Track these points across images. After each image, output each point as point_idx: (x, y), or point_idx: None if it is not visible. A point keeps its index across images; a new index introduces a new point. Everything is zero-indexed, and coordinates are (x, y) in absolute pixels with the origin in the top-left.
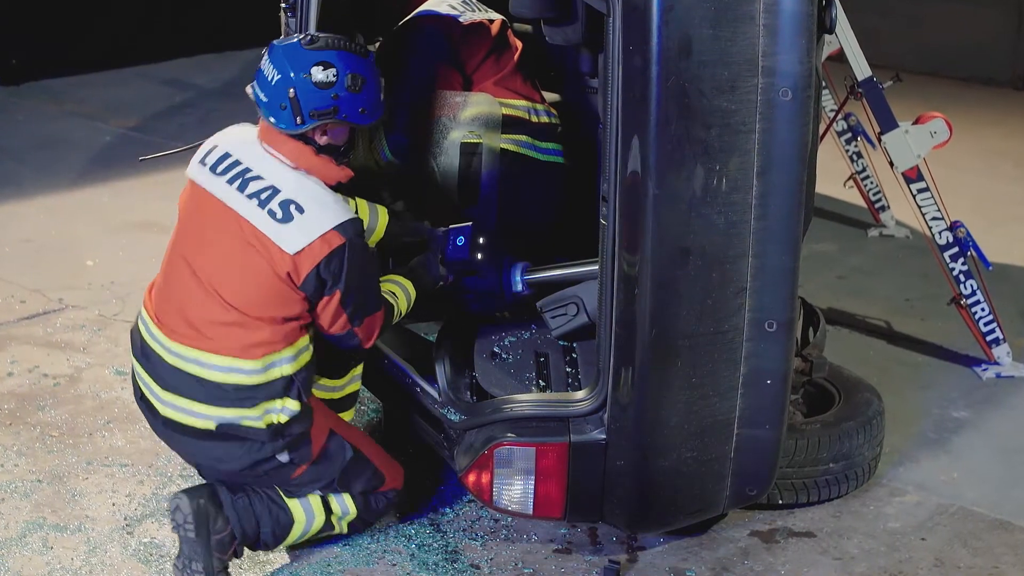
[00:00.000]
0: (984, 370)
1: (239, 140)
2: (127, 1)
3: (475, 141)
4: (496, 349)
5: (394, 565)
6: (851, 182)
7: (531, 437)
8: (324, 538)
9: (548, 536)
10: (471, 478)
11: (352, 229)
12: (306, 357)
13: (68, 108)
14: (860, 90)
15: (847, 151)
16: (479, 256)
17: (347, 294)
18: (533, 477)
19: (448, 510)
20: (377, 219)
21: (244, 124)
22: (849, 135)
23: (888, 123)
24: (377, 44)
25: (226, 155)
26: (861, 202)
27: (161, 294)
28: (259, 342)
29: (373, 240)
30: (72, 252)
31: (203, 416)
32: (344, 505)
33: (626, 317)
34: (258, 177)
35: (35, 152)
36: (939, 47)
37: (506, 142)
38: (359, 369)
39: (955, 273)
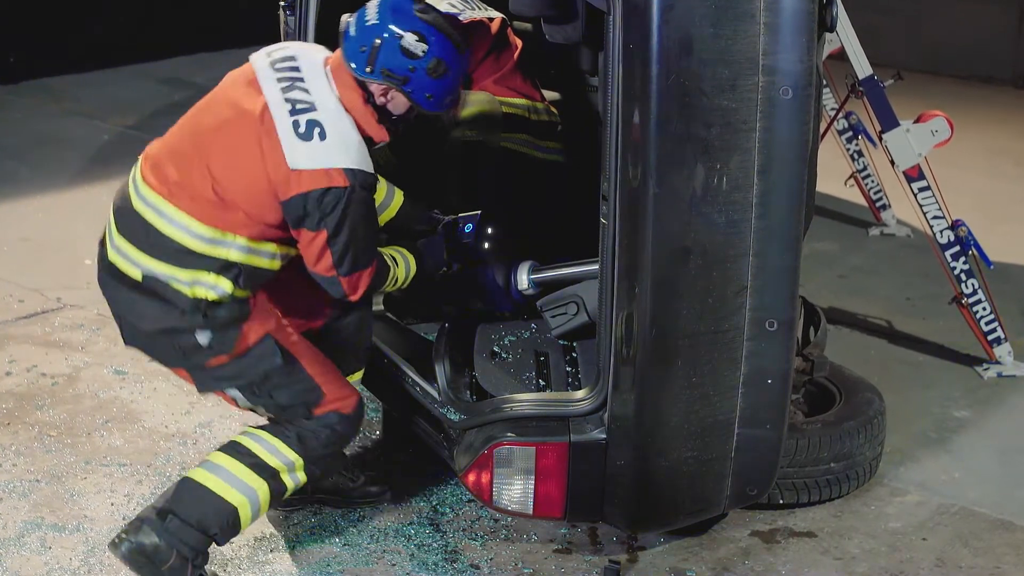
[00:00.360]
0: (985, 369)
1: (310, 54)
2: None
3: (475, 140)
4: (496, 348)
5: (394, 565)
6: (852, 181)
7: (531, 437)
8: (323, 538)
9: (548, 536)
10: (471, 478)
11: (361, 179)
12: (262, 261)
13: (66, 106)
14: (861, 88)
15: (848, 150)
16: (485, 245)
17: (335, 237)
18: (533, 477)
19: (448, 510)
20: (392, 198)
21: (320, 47)
22: (850, 134)
23: (889, 122)
24: None
25: (292, 58)
26: (862, 201)
27: (161, 148)
28: (223, 219)
29: (384, 218)
30: (70, 251)
31: (136, 264)
32: (282, 455)
33: (626, 316)
34: (306, 90)
35: (33, 150)
36: (940, 45)
37: (506, 141)
38: (358, 375)
39: (956, 272)
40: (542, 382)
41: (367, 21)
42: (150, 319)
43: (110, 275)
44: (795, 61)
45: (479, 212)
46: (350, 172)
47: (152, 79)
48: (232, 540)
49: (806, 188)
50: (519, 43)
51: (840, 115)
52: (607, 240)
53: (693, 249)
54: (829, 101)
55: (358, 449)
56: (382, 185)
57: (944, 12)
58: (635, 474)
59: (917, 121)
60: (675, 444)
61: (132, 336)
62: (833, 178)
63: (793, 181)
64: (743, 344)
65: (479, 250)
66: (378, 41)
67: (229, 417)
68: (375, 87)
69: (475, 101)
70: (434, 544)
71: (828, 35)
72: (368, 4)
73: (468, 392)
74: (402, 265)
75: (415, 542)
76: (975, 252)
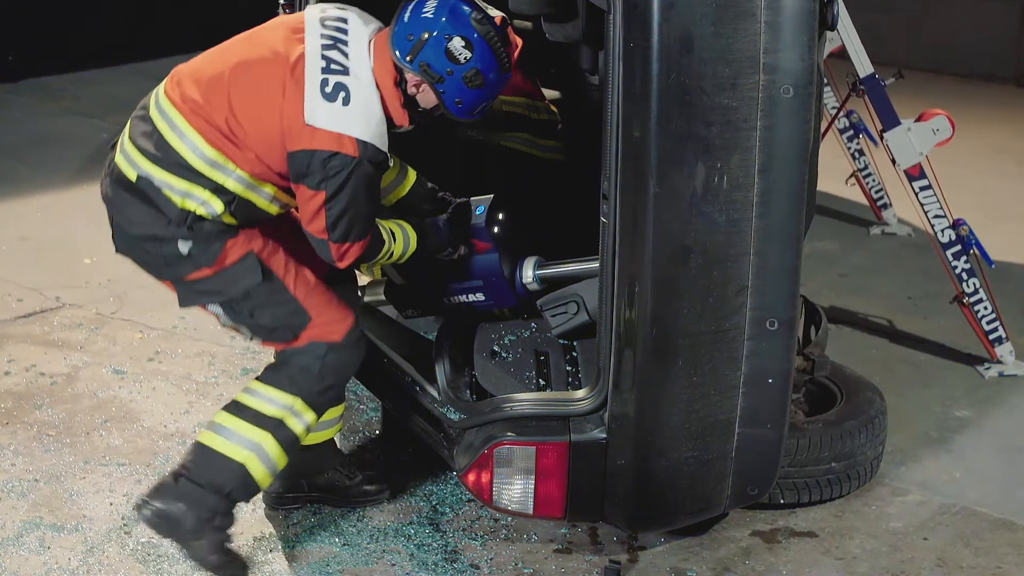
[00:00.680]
0: (987, 369)
1: (362, 22)
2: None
3: (475, 139)
4: (496, 348)
5: (393, 565)
6: (853, 180)
7: (531, 436)
8: (322, 538)
9: (548, 536)
10: (471, 477)
11: (371, 154)
12: (260, 200)
13: (65, 105)
14: (862, 87)
15: (849, 148)
16: (495, 230)
17: (332, 201)
18: (533, 476)
19: (448, 510)
20: (404, 177)
21: (374, 19)
22: (851, 132)
23: (890, 120)
24: None
25: (343, 20)
26: (863, 200)
27: (189, 69)
28: (229, 150)
29: (394, 196)
30: (70, 250)
31: (136, 166)
32: (278, 402)
33: (627, 315)
34: (345, 54)
35: (32, 149)
36: (941, 44)
37: (506, 140)
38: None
39: (958, 271)
40: (542, 381)
41: (423, 12)
42: (138, 223)
43: (111, 179)
44: (796, 59)
45: (492, 196)
46: (362, 144)
47: (151, 78)
48: (255, 497)
49: (807, 187)
50: (519, 42)
51: (841, 114)
52: (607, 239)
53: (693, 248)
54: (830, 100)
55: (357, 448)
56: (395, 164)
57: (945, 10)
58: (635, 474)
59: (918, 120)
60: (675, 444)
61: (122, 241)
62: (834, 177)
63: (794, 180)
64: (744, 343)
65: (488, 234)
66: (426, 35)
67: None
68: (410, 76)
69: None
70: (434, 544)
71: (829, 33)
72: None
73: (468, 391)
74: (400, 240)
75: (415, 542)
76: (976, 251)
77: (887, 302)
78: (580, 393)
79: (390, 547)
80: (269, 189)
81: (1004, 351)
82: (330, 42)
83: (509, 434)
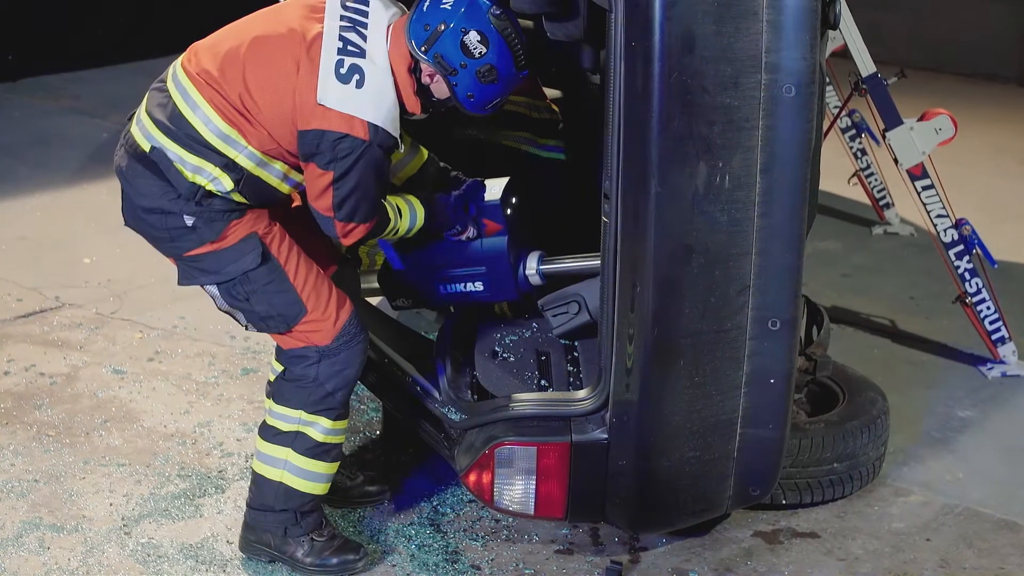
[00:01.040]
0: (989, 369)
1: (383, 7)
2: None
3: (475, 137)
4: (497, 348)
5: (394, 566)
6: (855, 179)
7: (532, 436)
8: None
9: (550, 536)
10: (472, 478)
11: (382, 138)
12: (271, 178)
13: (65, 104)
14: (864, 86)
15: (851, 148)
16: (508, 212)
17: (340, 182)
18: (534, 477)
19: (449, 510)
20: (415, 155)
21: (397, 6)
22: (853, 132)
23: (893, 120)
24: None
25: (366, 2)
26: (865, 199)
27: (208, 42)
28: (242, 125)
29: (405, 175)
30: (69, 250)
31: (149, 137)
32: (288, 417)
33: (628, 315)
34: (363, 36)
35: (32, 149)
36: (944, 43)
37: (507, 139)
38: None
39: (960, 271)
40: (543, 382)
41: (442, 3)
42: (148, 195)
43: (125, 149)
44: (798, 59)
45: (508, 178)
46: (373, 127)
47: (151, 77)
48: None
49: (809, 186)
50: None
51: (843, 113)
52: (609, 239)
53: (695, 248)
54: (832, 99)
55: (357, 448)
56: (406, 143)
57: (948, 9)
58: (637, 474)
59: (921, 119)
60: (677, 444)
61: (130, 213)
62: (836, 176)
63: (796, 179)
64: (745, 343)
65: (501, 215)
66: (442, 27)
67: (228, 417)
68: (424, 66)
69: None
70: (435, 545)
71: (831, 32)
72: None
73: (469, 392)
74: (406, 216)
75: (416, 543)
76: (979, 251)
77: (889, 302)
78: (581, 393)
79: (391, 548)
80: (280, 167)
81: (1007, 351)
82: (349, 24)
83: (510, 434)
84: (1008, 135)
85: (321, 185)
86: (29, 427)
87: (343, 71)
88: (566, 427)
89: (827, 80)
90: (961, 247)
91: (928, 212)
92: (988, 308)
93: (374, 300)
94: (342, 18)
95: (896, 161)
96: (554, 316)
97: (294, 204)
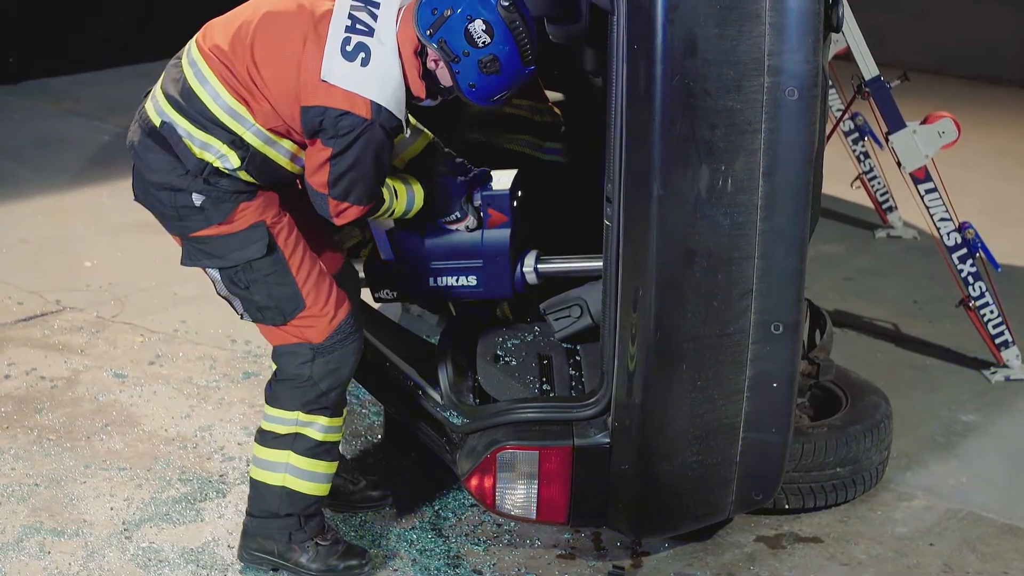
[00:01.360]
0: (993, 373)
1: None
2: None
3: (477, 140)
4: (499, 352)
5: (396, 571)
6: (858, 182)
7: (534, 441)
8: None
9: (552, 541)
10: (474, 482)
11: (384, 118)
12: (279, 157)
13: (66, 107)
14: (867, 89)
15: (854, 151)
16: (514, 204)
17: (337, 159)
18: (536, 481)
19: (450, 515)
20: (418, 136)
21: None
22: (856, 135)
23: (896, 123)
24: None
25: None
26: (868, 203)
27: (222, 18)
28: (248, 101)
29: (407, 155)
30: (70, 253)
31: (161, 112)
32: (284, 420)
33: (630, 319)
34: (373, 16)
35: (32, 151)
36: (947, 45)
37: (509, 142)
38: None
39: (963, 275)
40: (545, 386)
41: None
42: (156, 171)
43: (138, 124)
44: (801, 62)
45: (517, 171)
46: (376, 107)
47: (152, 79)
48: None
49: (812, 190)
50: None
51: (846, 116)
52: (611, 242)
53: (698, 251)
54: (835, 102)
55: (359, 453)
56: (409, 125)
57: (951, 12)
58: (639, 478)
59: (924, 122)
60: (679, 448)
61: (140, 188)
62: (839, 180)
63: (798, 183)
64: (748, 347)
65: (508, 206)
66: (448, 12)
67: (230, 421)
68: (430, 50)
69: None
70: (436, 549)
71: (834, 35)
72: None
73: (471, 396)
74: (403, 197)
75: (417, 547)
76: (982, 254)
77: (892, 306)
78: (584, 397)
79: (392, 552)
80: (288, 145)
81: (1010, 355)
82: (361, 3)
83: (512, 439)
84: (1011, 138)
85: (319, 160)
86: (30, 431)
87: (349, 48)
88: (568, 431)
89: (830, 83)
90: (964, 251)
91: (931, 215)
92: (991, 312)
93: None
94: None
95: (899, 164)
96: (556, 320)
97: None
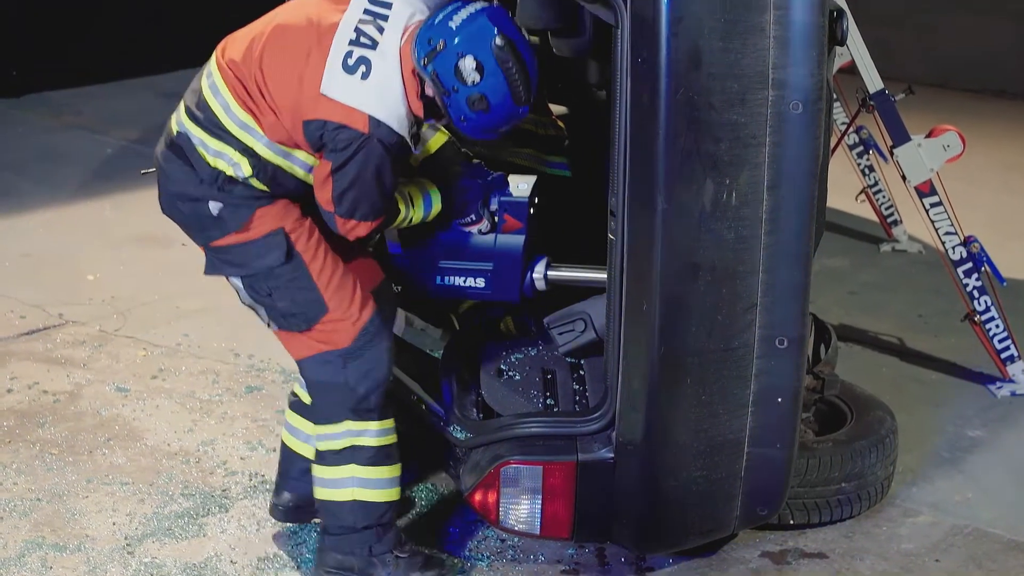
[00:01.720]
0: (999, 388)
1: (409, 6)
2: (128, 12)
3: (480, 154)
4: (503, 366)
5: None
6: (863, 196)
7: (538, 456)
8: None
9: (555, 556)
10: (477, 497)
11: (384, 133)
12: (295, 169)
13: (69, 120)
14: (872, 103)
15: (859, 164)
16: (531, 212)
17: (337, 174)
18: (540, 496)
19: (454, 530)
20: (434, 134)
21: (427, 7)
22: (861, 148)
23: (900, 136)
24: None
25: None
26: (873, 216)
27: (241, 30)
28: (256, 113)
29: (423, 153)
30: (73, 266)
31: (179, 122)
32: (335, 434)
33: (634, 333)
34: (380, 30)
35: (35, 165)
36: (951, 59)
37: (512, 155)
38: None
39: (969, 289)
40: (549, 400)
41: (451, 20)
42: (175, 180)
43: (163, 136)
44: (805, 75)
45: (535, 177)
46: (374, 121)
47: (155, 92)
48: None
49: (816, 204)
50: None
51: (851, 129)
52: (615, 256)
53: (702, 265)
54: (840, 115)
55: None
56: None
57: (956, 25)
58: (643, 494)
59: (929, 136)
60: (684, 463)
61: (164, 199)
62: (844, 193)
63: (803, 196)
64: (753, 362)
65: (524, 213)
66: (442, 45)
67: (232, 435)
68: (425, 77)
69: None
70: None
71: (838, 48)
72: (474, 5)
73: (475, 410)
74: (419, 205)
75: None
76: (988, 269)
77: (897, 320)
78: (588, 412)
79: None
80: (302, 156)
81: (1016, 370)
82: (369, 17)
83: (516, 454)
84: (1016, 152)
85: (322, 175)
86: (32, 445)
87: (351, 62)
88: (572, 446)
89: (834, 96)
90: (970, 265)
91: (936, 229)
92: (997, 326)
93: None
94: (365, 11)
95: (904, 178)
96: (560, 334)
97: None
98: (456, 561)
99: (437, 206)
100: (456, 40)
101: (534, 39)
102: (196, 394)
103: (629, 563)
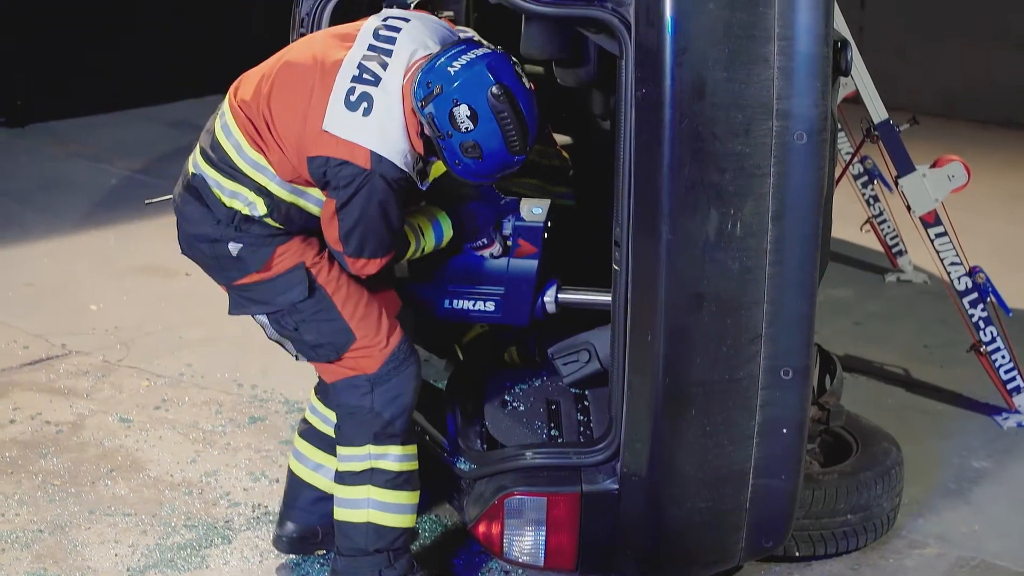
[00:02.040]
0: (1005, 419)
1: (411, 38)
2: (132, 42)
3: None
4: (507, 397)
5: None
6: (868, 226)
7: (542, 487)
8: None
9: None
10: (481, 529)
11: (386, 169)
12: (309, 206)
13: (72, 150)
14: (876, 133)
15: (863, 194)
16: (545, 236)
17: (343, 213)
18: (544, 528)
19: (458, 562)
20: None
21: (435, 41)
22: (865, 178)
23: (905, 166)
24: None
25: (399, 29)
26: (878, 246)
27: (256, 68)
28: (265, 152)
29: (435, 173)
30: (76, 296)
31: (195, 163)
32: (356, 457)
33: (639, 364)
34: (383, 66)
35: (39, 194)
36: (956, 89)
37: (516, 185)
38: None
39: (974, 319)
40: (553, 431)
41: (450, 65)
42: (192, 222)
43: (180, 178)
44: (809, 105)
45: (549, 201)
46: (376, 157)
47: (159, 122)
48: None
49: (821, 234)
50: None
51: (855, 159)
52: (619, 286)
53: (707, 296)
54: (844, 145)
55: None
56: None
57: (961, 55)
58: (648, 525)
59: (933, 166)
60: (689, 495)
61: (183, 240)
62: (849, 223)
63: (808, 227)
64: (758, 393)
65: (539, 237)
66: (439, 90)
67: (236, 466)
68: (422, 119)
69: None
70: None
71: (843, 79)
72: (476, 51)
73: (479, 441)
74: (430, 235)
75: None
76: (993, 299)
77: (903, 350)
78: (592, 443)
79: None
80: (316, 194)
81: (1022, 400)
82: (374, 53)
83: (520, 485)
84: (1022, 181)
85: (328, 214)
86: (34, 476)
87: (353, 98)
88: (576, 477)
89: (839, 126)
90: (975, 295)
91: (941, 260)
92: (1003, 357)
93: None
94: (370, 47)
95: (909, 208)
96: (564, 364)
97: None
98: None
99: (448, 233)
100: (453, 86)
101: (538, 69)
102: (199, 425)
103: None
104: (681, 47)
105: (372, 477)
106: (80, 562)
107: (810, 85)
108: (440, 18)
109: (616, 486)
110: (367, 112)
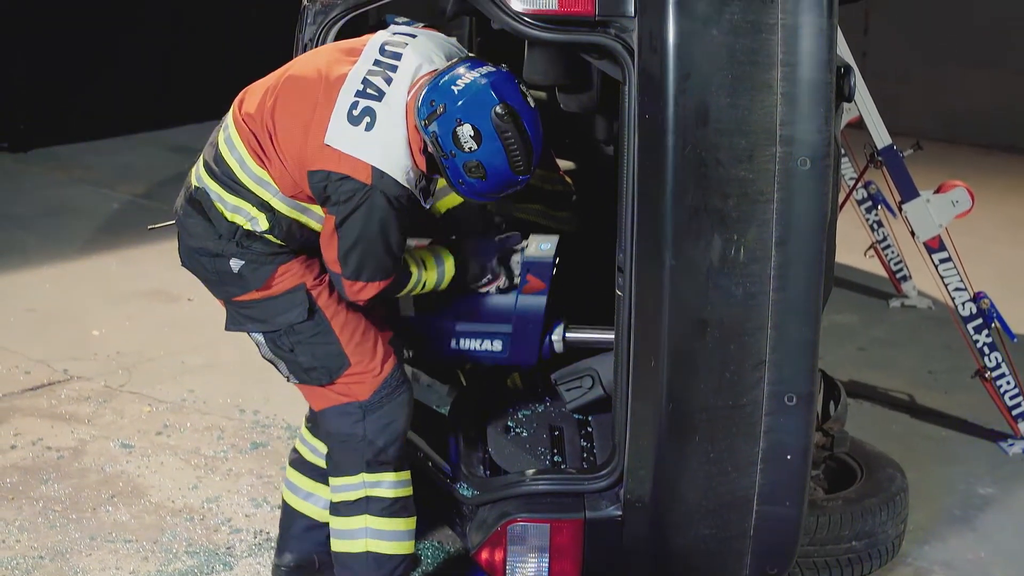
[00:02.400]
0: (1010, 445)
1: (417, 54)
2: (135, 67)
3: (488, 209)
4: (510, 423)
5: None
6: (872, 252)
7: (545, 513)
8: None
9: None
10: (484, 555)
11: (389, 186)
12: (311, 223)
13: (76, 175)
14: (880, 158)
15: (867, 220)
16: (554, 273)
17: (342, 230)
18: (547, 554)
19: None
20: (449, 191)
21: (441, 57)
22: (869, 204)
23: (909, 192)
24: None
25: (405, 44)
26: (882, 272)
27: (260, 82)
28: (268, 166)
29: (445, 204)
30: (78, 322)
31: (198, 177)
32: (351, 485)
33: (642, 390)
34: (388, 81)
35: (41, 219)
36: (960, 114)
37: (519, 210)
38: None
39: (979, 345)
40: (557, 457)
41: (454, 83)
42: (194, 236)
43: (182, 190)
44: (813, 131)
45: (558, 237)
46: (377, 172)
47: (162, 147)
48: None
49: (825, 259)
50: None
51: (859, 185)
52: (623, 312)
53: (710, 322)
54: (848, 171)
55: None
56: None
57: (964, 80)
58: (652, 552)
59: (937, 191)
60: (693, 521)
61: (184, 254)
62: (853, 249)
63: (811, 252)
64: (761, 419)
65: (548, 274)
66: (442, 109)
67: (237, 492)
68: (425, 137)
69: None
70: None
71: (846, 104)
72: (481, 68)
73: (481, 467)
74: (433, 271)
75: None
76: (998, 324)
77: (907, 376)
78: (595, 469)
79: None
80: (318, 210)
81: None
82: (379, 68)
83: (523, 511)
84: None
85: (328, 231)
86: (35, 502)
87: (356, 113)
88: (580, 503)
89: (842, 152)
90: (980, 321)
91: (946, 285)
92: (1008, 383)
93: None
94: (375, 62)
95: (913, 233)
96: (568, 391)
97: None
98: None
99: (451, 271)
100: (457, 105)
101: (541, 94)
102: (201, 450)
103: None
104: (684, 73)
105: (368, 506)
106: None
107: (814, 111)
108: None
109: (619, 513)
110: (370, 127)
